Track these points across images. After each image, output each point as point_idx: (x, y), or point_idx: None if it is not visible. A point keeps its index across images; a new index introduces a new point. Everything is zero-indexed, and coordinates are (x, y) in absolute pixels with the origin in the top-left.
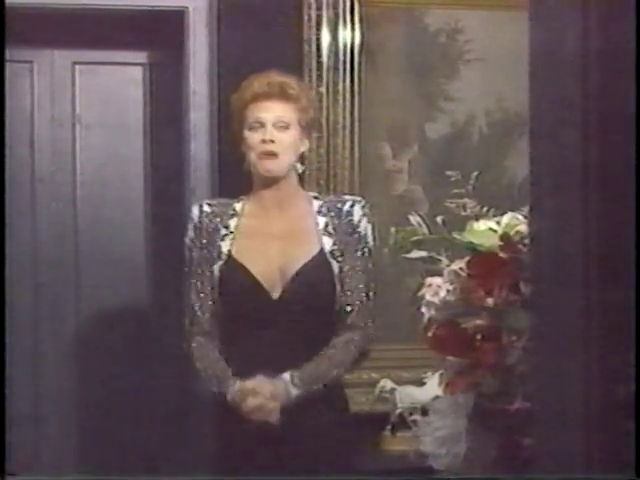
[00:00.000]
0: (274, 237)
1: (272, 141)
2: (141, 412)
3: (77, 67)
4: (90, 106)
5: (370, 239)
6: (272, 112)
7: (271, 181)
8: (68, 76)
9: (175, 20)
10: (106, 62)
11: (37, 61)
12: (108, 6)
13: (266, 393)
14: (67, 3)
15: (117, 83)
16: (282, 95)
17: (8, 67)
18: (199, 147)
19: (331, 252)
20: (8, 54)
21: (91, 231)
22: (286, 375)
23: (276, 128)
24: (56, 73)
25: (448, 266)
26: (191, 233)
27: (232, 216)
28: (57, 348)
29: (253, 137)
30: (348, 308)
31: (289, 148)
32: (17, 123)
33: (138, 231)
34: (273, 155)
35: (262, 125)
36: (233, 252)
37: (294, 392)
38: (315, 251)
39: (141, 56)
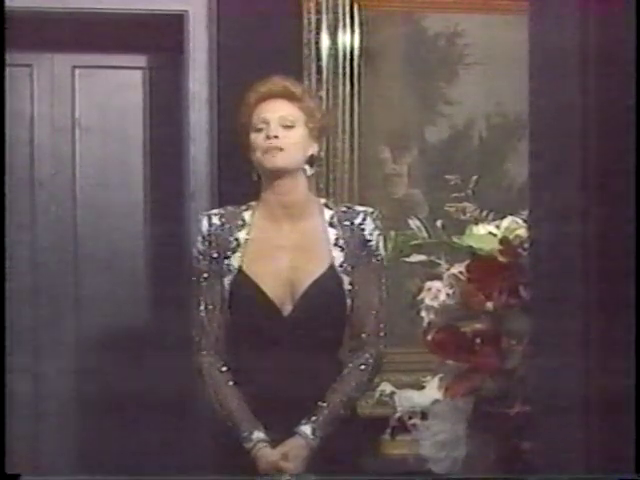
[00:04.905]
0: (284, 250)
1: (276, 137)
2: (141, 413)
3: (77, 71)
4: (90, 110)
5: (382, 251)
6: (276, 111)
7: (279, 182)
8: (68, 80)
9: (174, 24)
10: (106, 66)
11: (37, 65)
12: (108, 10)
13: (290, 466)
14: (67, 7)
15: (117, 87)
16: (286, 94)
17: (8, 71)
18: (199, 150)
19: (341, 266)
20: (8, 58)
21: (91, 234)
22: (307, 429)
23: (281, 126)
24: (56, 77)
25: (448, 270)
26: (200, 245)
27: (242, 227)
28: (57, 351)
29: (258, 137)
30: (360, 324)
31: (295, 145)
32: (17, 127)
33: (138, 234)
34: (278, 149)
35: (267, 124)
36: (244, 267)
37: (315, 444)
38: (326, 266)
39: (141, 60)
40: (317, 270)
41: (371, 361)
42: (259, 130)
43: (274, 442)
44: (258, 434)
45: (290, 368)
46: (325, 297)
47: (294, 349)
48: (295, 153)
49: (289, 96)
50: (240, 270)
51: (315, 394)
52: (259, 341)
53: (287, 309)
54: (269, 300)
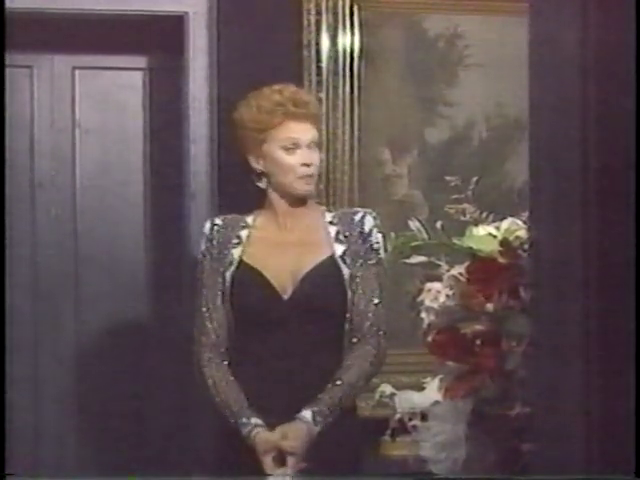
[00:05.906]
0: (286, 245)
1: (312, 164)
2: (141, 413)
3: (77, 72)
4: (90, 111)
5: (381, 250)
6: (306, 134)
7: (295, 198)
8: (68, 81)
9: (175, 25)
10: (106, 67)
11: (37, 66)
12: (108, 11)
13: (290, 445)
14: (67, 8)
15: (117, 88)
16: (314, 116)
17: (8, 72)
18: (199, 152)
19: (342, 257)
20: (8, 59)
21: (91, 236)
22: (307, 414)
23: (309, 149)
24: (56, 78)
25: (447, 271)
26: (203, 246)
27: (243, 227)
28: (57, 352)
29: (290, 159)
30: (361, 317)
31: (318, 166)
32: (17, 128)
33: (138, 236)
34: (311, 177)
35: (297, 147)
36: (244, 257)
37: (316, 430)
38: (326, 255)
39: (141, 61)
40: (317, 258)
41: (372, 353)
42: (288, 150)
43: (272, 426)
44: (256, 420)
45: (290, 354)
46: (325, 282)
47: (294, 334)
48: (317, 174)
49: (315, 117)
50: (241, 260)
51: (316, 382)
52: (260, 327)
53: (287, 294)
54: (270, 284)
